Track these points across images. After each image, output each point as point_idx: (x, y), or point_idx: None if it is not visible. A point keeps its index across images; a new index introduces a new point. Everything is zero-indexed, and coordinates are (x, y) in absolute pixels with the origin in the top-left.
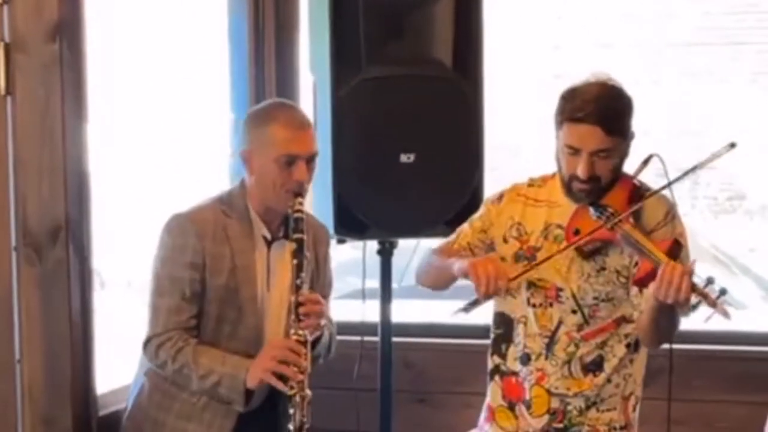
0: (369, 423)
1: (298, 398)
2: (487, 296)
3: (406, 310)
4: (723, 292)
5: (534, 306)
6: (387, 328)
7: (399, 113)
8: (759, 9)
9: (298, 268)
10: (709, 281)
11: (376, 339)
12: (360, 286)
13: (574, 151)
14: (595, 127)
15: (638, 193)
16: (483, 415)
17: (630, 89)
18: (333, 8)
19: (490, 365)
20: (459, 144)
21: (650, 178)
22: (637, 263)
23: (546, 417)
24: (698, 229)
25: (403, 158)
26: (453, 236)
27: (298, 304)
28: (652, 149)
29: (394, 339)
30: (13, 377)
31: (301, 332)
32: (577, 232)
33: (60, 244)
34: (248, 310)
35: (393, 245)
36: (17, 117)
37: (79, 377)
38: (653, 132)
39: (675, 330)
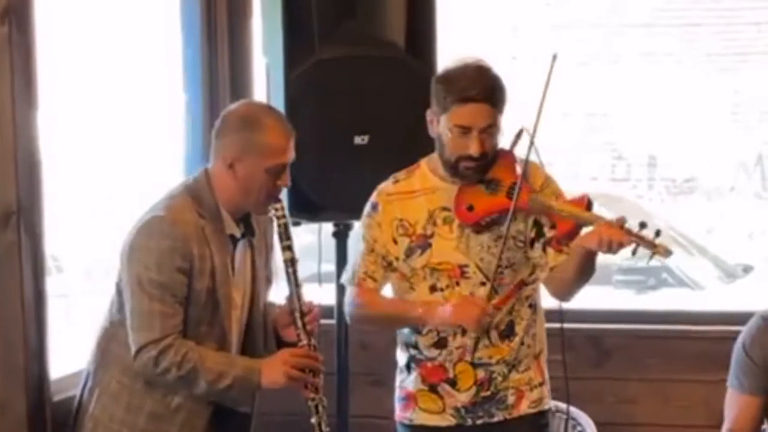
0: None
1: (320, 408)
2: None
3: None
4: (657, 233)
5: (441, 290)
6: (343, 310)
7: (352, 95)
8: None
9: (296, 277)
10: (642, 225)
11: (333, 322)
12: (316, 270)
13: (465, 131)
14: (484, 105)
15: (519, 163)
16: (399, 405)
17: (588, 70)
18: None
19: (403, 360)
20: (412, 125)
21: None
22: (536, 225)
23: (473, 389)
24: (655, 210)
25: (357, 140)
26: (355, 268)
27: (303, 314)
28: (612, 130)
29: None
30: None
31: (313, 342)
32: (470, 208)
33: (11, 228)
34: (224, 310)
35: (348, 227)
36: None
37: (33, 362)
38: (611, 113)
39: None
